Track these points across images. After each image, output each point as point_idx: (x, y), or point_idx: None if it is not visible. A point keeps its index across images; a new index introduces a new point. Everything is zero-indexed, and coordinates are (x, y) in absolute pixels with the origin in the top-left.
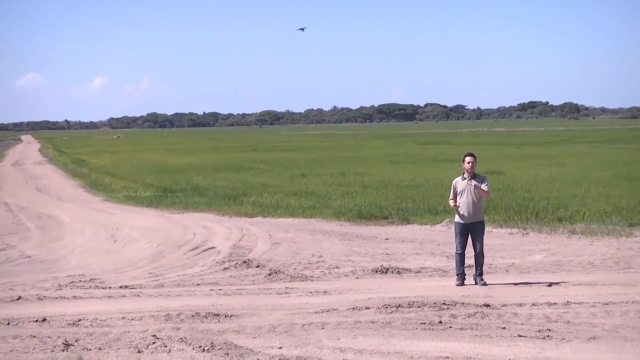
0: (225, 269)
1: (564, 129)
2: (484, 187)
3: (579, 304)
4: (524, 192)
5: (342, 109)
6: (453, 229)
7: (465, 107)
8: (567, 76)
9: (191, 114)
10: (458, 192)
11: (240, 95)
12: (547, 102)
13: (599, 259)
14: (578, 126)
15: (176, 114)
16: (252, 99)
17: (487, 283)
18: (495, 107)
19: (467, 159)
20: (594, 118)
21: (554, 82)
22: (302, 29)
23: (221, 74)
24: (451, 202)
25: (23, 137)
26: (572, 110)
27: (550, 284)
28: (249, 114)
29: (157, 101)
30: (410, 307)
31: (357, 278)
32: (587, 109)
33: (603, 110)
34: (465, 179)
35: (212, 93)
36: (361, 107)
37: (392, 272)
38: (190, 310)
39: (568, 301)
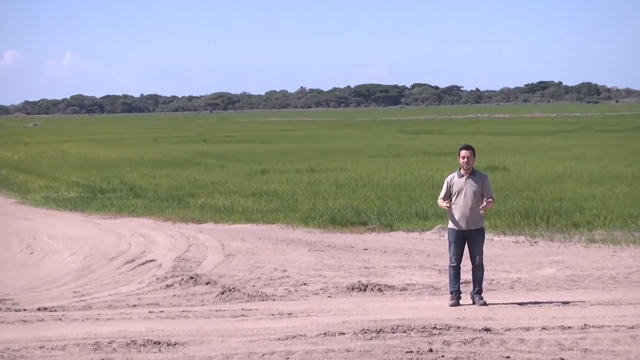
0: (167, 286)
1: (581, 114)
2: (487, 202)
3: (598, 327)
4: (532, 192)
5: (311, 90)
6: (446, 237)
7: (461, 89)
8: (584, 51)
9: (125, 96)
10: (453, 192)
11: (186, 74)
12: (561, 83)
13: (623, 273)
14: (598, 111)
15: (107, 97)
16: (201, 78)
17: (488, 302)
18: (497, 88)
19: (463, 152)
20: (617, 101)
21: (569, 58)
22: None
23: (163, 48)
24: (441, 203)
25: None
26: (590, 92)
27: (564, 304)
28: (196, 97)
29: (84, 81)
30: (394, 332)
31: (329, 297)
32: (608, 90)
33: (628, 93)
34: (462, 176)
35: (152, 71)
36: (334, 89)
37: (371, 289)
38: (125, 337)
39: (585, 324)
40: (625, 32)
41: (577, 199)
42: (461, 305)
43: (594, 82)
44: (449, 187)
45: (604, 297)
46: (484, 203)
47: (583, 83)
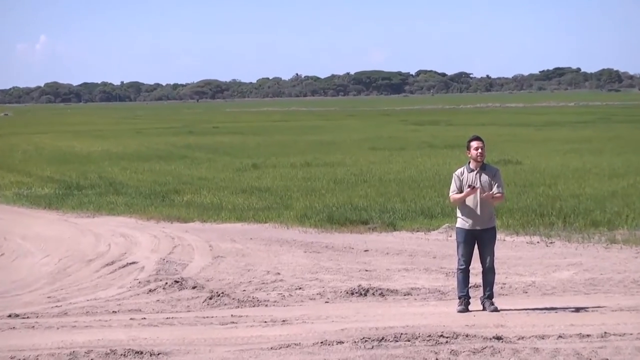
0: (150, 290)
1: (601, 104)
2: (495, 190)
3: (620, 335)
4: (548, 188)
5: (307, 78)
6: (454, 237)
7: (471, 76)
8: (604, 35)
9: (105, 84)
10: (464, 187)
11: (171, 60)
12: (579, 69)
13: None
14: (619, 100)
15: (85, 85)
16: (187, 64)
17: (499, 308)
18: (509, 75)
19: (474, 144)
20: None
21: (588, 42)
22: None
23: (145, 32)
24: (456, 195)
25: None
26: (611, 79)
27: (582, 310)
28: (182, 85)
29: (59, 67)
30: (397, 341)
31: (326, 302)
32: (631, 77)
33: None
34: (472, 170)
35: (133, 57)
36: (332, 76)
37: (373, 294)
38: (104, 346)
39: (606, 332)
40: None
41: (597, 196)
42: (470, 311)
43: (615, 69)
44: (460, 182)
45: (626, 302)
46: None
47: (603, 69)
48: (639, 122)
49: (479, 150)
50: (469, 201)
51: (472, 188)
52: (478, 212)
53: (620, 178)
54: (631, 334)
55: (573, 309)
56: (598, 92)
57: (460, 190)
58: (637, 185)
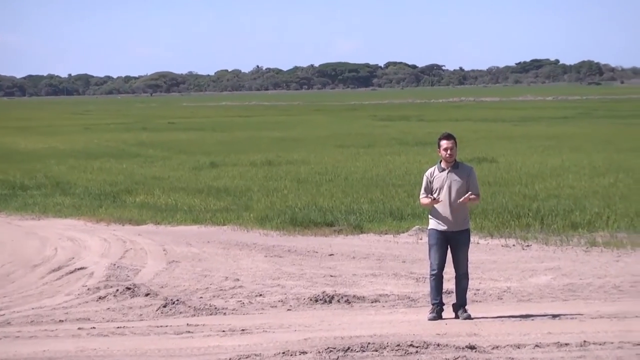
0: (100, 298)
1: (581, 98)
2: (470, 195)
3: (600, 344)
4: (525, 187)
5: (269, 70)
6: (425, 240)
7: (443, 68)
8: (584, 25)
9: (51, 76)
10: (434, 188)
11: (123, 50)
12: (557, 61)
13: (629, 281)
14: (600, 94)
15: (29, 77)
16: (140, 55)
17: (472, 316)
18: (484, 67)
19: (444, 143)
20: (622, 82)
21: (567, 33)
22: None
23: (95, 20)
24: (425, 200)
25: None
26: (592, 71)
27: (560, 317)
28: (135, 77)
29: (1, 58)
30: (364, 351)
31: (289, 310)
32: (612, 70)
33: (635, 73)
34: (443, 169)
35: (82, 47)
36: (295, 68)
37: (338, 301)
38: (50, 358)
39: (585, 341)
40: (632, 2)
41: (577, 196)
42: (442, 319)
43: (595, 61)
44: (429, 183)
45: (607, 309)
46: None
47: (583, 61)
48: (621, 117)
49: (448, 151)
50: (442, 203)
51: (437, 199)
52: (450, 213)
53: (601, 177)
54: (612, 343)
55: (551, 316)
56: (577, 86)
57: (430, 192)
58: (618, 184)
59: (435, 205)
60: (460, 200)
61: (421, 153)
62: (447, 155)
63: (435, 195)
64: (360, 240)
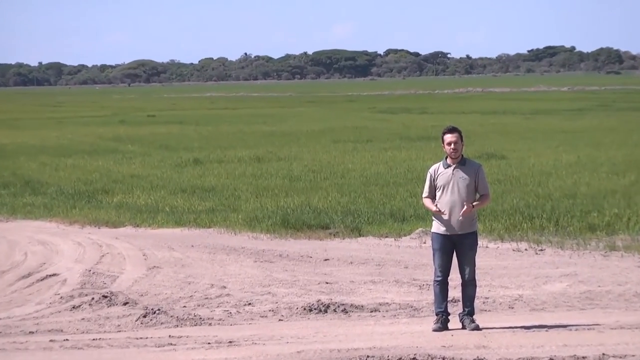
0: (74, 307)
1: (599, 88)
2: (482, 197)
3: (620, 357)
4: (538, 186)
5: (258, 58)
6: (429, 243)
7: (448, 56)
8: (603, 9)
9: (20, 65)
10: (438, 186)
11: (98, 37)
12: (573, 48)
13: None
14: (620, 84)
15: None
16: (117, 42)
17: (481, 326)
18: (493, 55)
19: (448, 137)
20: None
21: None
22: None
23: (67, 3)
24: (429, 204)
25: None
26: (611, 59)
27: (577, 328)
28: (111, 66)
29: None
30: None
31: (280, 320)
32: (633, 57)
33: None
34: (448, 166)
35: (54, 34)
36: (287, 56)
37: (334, 310)
38: None
39: (604, 354)
40: None
41: (594, 195)
42: (448, 330)
43: (615, 48)
44: (433, 181)
45: (627, 319)
46: (477, 199)
47: (602, 48)
48: None
49: (452, 146)
50: (447, 203)
51: (442, 213)
52: (457, 215)
53: (621, 175)
54: (633, 356)
55: (566, 327)
56: (595, 75)
57: (433, 191)
58: None
59: (439, 206)
60: (463, 211)
61: (424, 149)
62: (452, 150)
63: (438, 195)
64: (358, 244)
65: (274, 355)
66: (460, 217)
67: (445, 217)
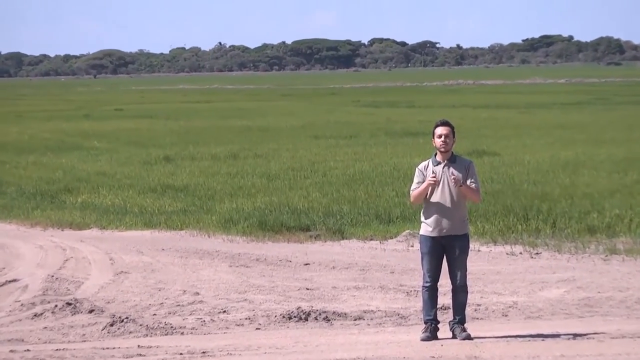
0: (36, 315)
1: (599, 81)
2: (470, 183)
3: None
4: (533, 185)
5: (233, 48)
6: (417, 246)
7: (437, 45)
8: None
9: None
10: None
11: (62, 25)
12: (571, 37)
13: None
14: (622, 76)
15: None
16: (82, 30)
17: (473, 336)
18: (485, 44)
19: (440, 129)
20: None
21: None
22: None
23: None
24: (416, 192)
25: None
26: (611, 49)
27: (575, 337)
28: (75, 56)
29: None
30: None
31: (257, 329)
32: (635, 48)
33: None
34: (438, 163)
35: (13, 21)
36: (264, 46)
37: (316, 318)
38: None
39: None
40: None
41: (594, 195)
42: (437, 339)
43: (615, 37)
44: (423, 178)
45: (629, 327)
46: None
47: (601, 38)
48: None
49: (442, 139)
50: (436, 200)
51: (434, 179)
52: (447, 215)
53: (623, 173)
54: None
55: (564, 336)
56: (595, 66)
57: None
58: None
59: (428, 206)
60: (455, 177)
61: (412, 145)
62: (442, 143)
63: (431, 176)
64: (341, 247)
65: None
66: (452, 178)
67: (429, 214)
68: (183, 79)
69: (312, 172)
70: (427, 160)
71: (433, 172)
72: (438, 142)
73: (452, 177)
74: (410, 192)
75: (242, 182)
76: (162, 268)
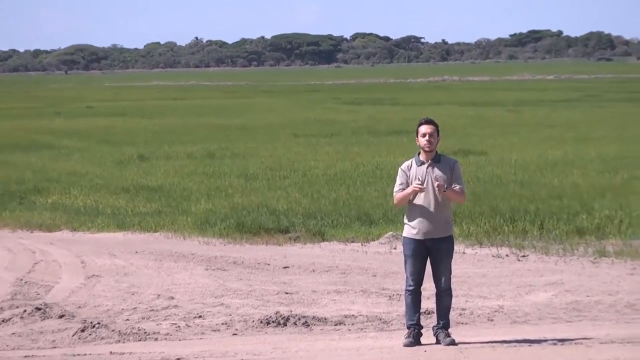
0: (4, 321)
1: (588, 77)
2: (454, 186)
3: None
4: (520, 185)
5: (210, 43)
6: (401, 249)
7: (422, 41)
8: None
9: None
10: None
11: (31, 18)
12: (560, 32)
13: None
14: (612, 72)
15: None
16: (52, 25)
17: (458, 341)
18: (471, 40)
19: (424, 128)
20: (638, 58)
21: None
22: None
23: None
24: (399, 194)
25: None
26: (601, 45)
27: (563, 342)
28: (46, 52)
29: None
30: None
31: (234, 335)
32: (626, 43)
33: None
34: (422, 163)
35: None
36: (243, 41)
37: (295, 323)
38: None
39: None
40: None
41: (583, 196)
42: (421, 345)
43: (606, 32)
44: (405, 179)
45: (618, 332)
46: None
47: (591, 33)
48: (637, 100)
49: (427, 137)
50: (419, 202)
51: (420, 186)
52: (431, 216)
53: (613, 172)
54: None
55: (551, 341)
56: (584, 62)
57: (407, 186)
58: (633, 181)
59: (412, 208)
60: (438, 183)
61: (395, 144)
62: (426, 143)
63: (417, 183)
64: (321, 250)
65: None
66: (437, 185)
67: (412, 216)
68: (158, 75)
69: (291, 172)
70: (411, 160)
71: (418, 178)
72: (422, 141)
73: (436, 183)
74: (394, 194)
75: (219, 182)
76: (135, 271)
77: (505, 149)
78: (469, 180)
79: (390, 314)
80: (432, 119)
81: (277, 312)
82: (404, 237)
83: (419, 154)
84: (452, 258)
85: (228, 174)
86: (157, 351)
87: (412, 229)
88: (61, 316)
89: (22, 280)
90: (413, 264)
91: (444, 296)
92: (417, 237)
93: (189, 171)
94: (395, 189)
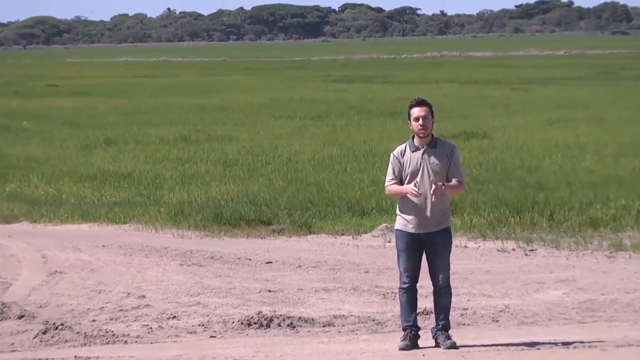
0: None
1: (602, 52)
2: (453, 181)
3: None
4: (527, 172)
5: (183, 14)
6: (394, 243)
7: (418, 12)
8: None
9: None
10: (405, 173)
11: None
12: (571, 3)
13: None
14: (629, 47)
15: None
16: None
17: (459, 344)
18: (473, 11)
19: (416, 110)
20: None
21: None
22: None
23: None
24: (393, 187)
25: None
26: (616, 17)
27: (575, 345)
28: (2, 24)
29: None
30: None
31: (212, 337)
32: None
33: None
34: (416, 149)
35: None
36: (219, 12)
37: (279, 324)
38: None
39: None
40: None
41: (597, 183)
42: (418, 348)
43: (621, 2)
44: (398, 166)
45: (636, 334)
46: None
47: (605, 3)
48: None
49: (421, 122)
50: (420, 196)
51: (416, 193)
52: (426, 208)
53: (630, 157)
54: None
55: (563, 344)
56: (598, 36)
57: (400, 179)
58: None
59: (404, 198)
60: (434, 188)
61: (389, 126)
62: (420, 127)
63: (413, 187)
64: (308, 244)
65: None
66: (433, 198)
67: (422, 195)
68: (126, 51)
69: (274, 157)
70: (404, 144)
71: (416, 184)
72: (416, 125)
73: (432, 190)
74: (386, 185)
75: (195, 168)
76: (102, 267)
77: (511, 131)
78: (470, 167)
79: (385, 314)
80: (425, 100)
81: (259, 313)
82: (396, 229)
83: (413, 137)
84: (450, 252)
85: (204, 160)
86: (126, 355)
87: (405, 220)
88: (20, 317)
89: None
90: (407, 259)
91: (442, 294)
92: (410, 230)
93: (161, 156)
94: (388, 178)
